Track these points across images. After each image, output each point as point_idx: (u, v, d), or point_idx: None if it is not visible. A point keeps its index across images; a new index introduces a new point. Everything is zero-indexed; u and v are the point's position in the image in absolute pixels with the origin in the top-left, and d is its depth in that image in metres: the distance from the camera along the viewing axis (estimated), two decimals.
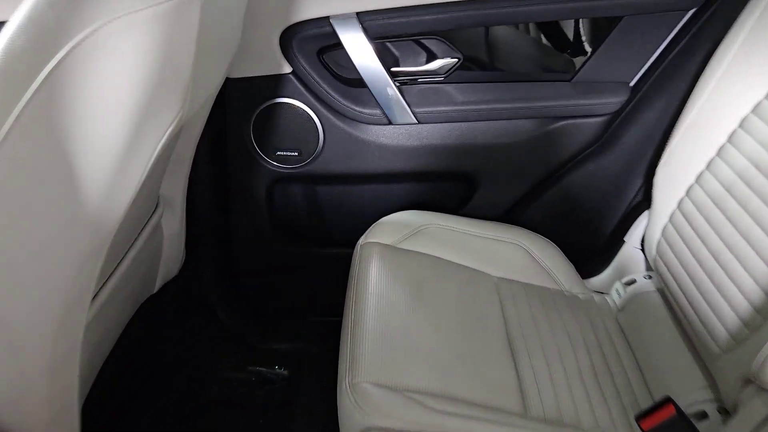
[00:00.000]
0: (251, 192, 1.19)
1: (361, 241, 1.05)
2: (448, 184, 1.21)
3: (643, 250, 1.06)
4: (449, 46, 1.09)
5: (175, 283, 1.17)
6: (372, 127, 1.12)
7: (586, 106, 1.08)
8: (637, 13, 1.02)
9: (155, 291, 1.11)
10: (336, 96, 1.09)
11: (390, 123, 1.11)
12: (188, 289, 1.26)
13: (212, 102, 0.98)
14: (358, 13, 1.02)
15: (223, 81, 0.97)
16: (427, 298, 0.93)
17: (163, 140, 0.65)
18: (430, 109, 1.09)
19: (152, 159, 0.64)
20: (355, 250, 1.04)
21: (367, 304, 0.90)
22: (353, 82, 1.11)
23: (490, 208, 1.19)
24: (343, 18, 1.02)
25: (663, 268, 0.95)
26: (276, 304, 1.36)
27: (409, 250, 1.03)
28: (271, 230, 1.23)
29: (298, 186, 1.23)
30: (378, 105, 1.09)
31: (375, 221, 1.09)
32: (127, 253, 0.92)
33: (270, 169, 1.16)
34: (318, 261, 1.28)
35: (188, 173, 1.05)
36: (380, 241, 1.04)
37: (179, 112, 0.65)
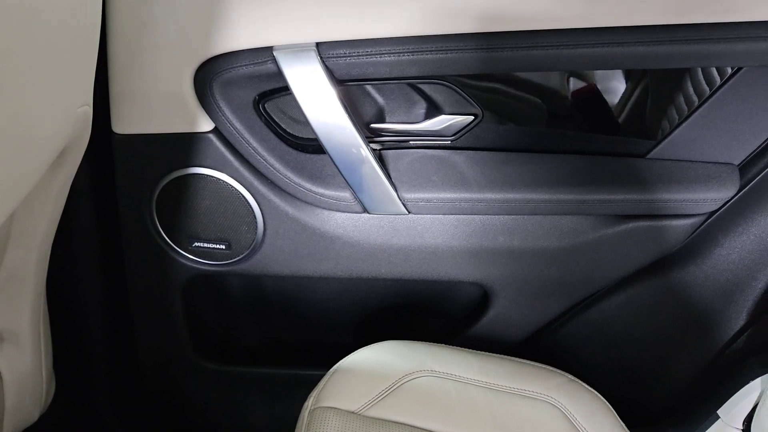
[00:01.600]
0: (160, 294, 0.81)
1: (311, 402, 0.67)
2: (447, 298, 0.83)
3: None
4: (464, 96, 0.70)
5: (47, 421, 0.80)
6: (337, 215, 0.73)
7: (671, 202, 0.70)
8: (763, 65, 0.64)
9: None
10: (281, 168, 0.70)
11: (365, 211, 0.72)
12: (78, 422, 0.89)
13: (72, 170, 0.60)
14: (318, 45, 0.63)
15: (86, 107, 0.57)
16: None
17: None
18: (426, 195, 0.71)
19: None
20: (300, 417, 0.67)
21: None
22: (311, 146, 0.72)
23: (508, 331, 0.81)
24: (296, 51, 0.63)
25: None
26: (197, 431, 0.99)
27: (383, 421, 0.66)
28: (190, 342, 0.86)
29: (227, 286, 0.85)
30: (347, 183, 0.70)
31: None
32: None
33: (185, 265, 0.78)
34: (255, 383, 0.91)
35: (38, 290, 0.67)
36: (338, 406, 0.66)
37: None
